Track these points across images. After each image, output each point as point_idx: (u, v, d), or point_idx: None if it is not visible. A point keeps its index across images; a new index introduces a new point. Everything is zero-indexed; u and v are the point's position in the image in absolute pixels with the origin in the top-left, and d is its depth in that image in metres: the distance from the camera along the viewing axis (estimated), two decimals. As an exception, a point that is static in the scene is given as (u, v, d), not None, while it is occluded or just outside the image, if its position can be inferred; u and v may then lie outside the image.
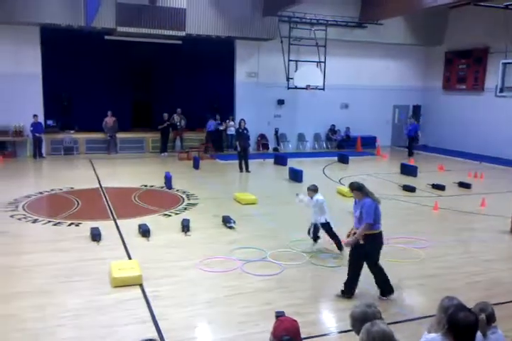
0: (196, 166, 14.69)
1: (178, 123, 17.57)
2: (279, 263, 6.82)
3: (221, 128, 18.12)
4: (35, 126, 15.59)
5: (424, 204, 10.64)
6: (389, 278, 5.83)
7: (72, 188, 11.43)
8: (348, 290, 5.83)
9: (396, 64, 20.98)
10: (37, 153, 15.81)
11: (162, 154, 17.17)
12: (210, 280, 6.25)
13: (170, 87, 18.06)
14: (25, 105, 15.65)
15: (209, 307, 5.48)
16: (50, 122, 16.58)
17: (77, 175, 13.16)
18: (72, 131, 16.90)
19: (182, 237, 8.01)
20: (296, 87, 17.81)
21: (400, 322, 5.09)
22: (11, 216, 8.99)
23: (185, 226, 8.26)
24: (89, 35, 15.68)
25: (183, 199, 10.73)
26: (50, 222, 8.74)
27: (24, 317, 5.12)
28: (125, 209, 9.78)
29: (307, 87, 17.75)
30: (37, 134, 15.63)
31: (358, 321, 2.81)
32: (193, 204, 10.26)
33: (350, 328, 4.35)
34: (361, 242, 5.65)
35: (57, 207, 9.90)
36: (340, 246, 7.33)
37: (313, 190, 7.53)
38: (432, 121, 21.23)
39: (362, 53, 19.95)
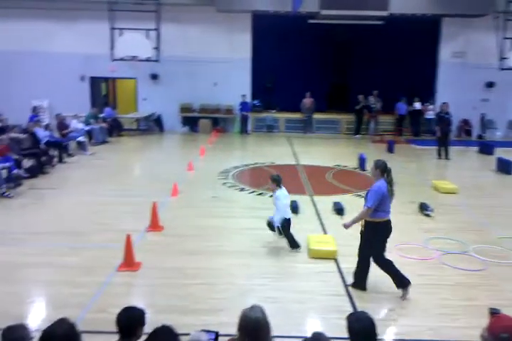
0: (390, 150, 14.33)
1: (373, 106, 17.29)
2: (483, 259, 6.32)
3: (417, 107, 17.20)
4: (244, 105, 17.13)
5: None
6: (398, 272, 5.27)
7: (273, 163, 12.33)
8: (359, 281, 5.41)
9: None
10: (243, 130, 17.41)
11: (355, 136, 17.17)
12: (405, 266, 6.06)
13: (368, 69, 17.76)
14: (236, 86, 17.22)
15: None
16: (255, 102, 18.02)
17: (277, 152, 14.11)
18: (273, 111, 18.11)
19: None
20: (511, 68, 15.77)
21: None
22: (223, 183, 10.19)
23: (380, 209, 8.19)
24: (293, 20, 16.34)
25: (377, 182, 10.62)
26: (254, 191, 9.64)
27: (232, 273, 5.80)
28: (320, 186, 10.17)
29: (525, 68, 15.57)
30: (244, 112, 17.17)
31: None
32: (387, 188, 10.08)
33: None
34: (362, 229, 5.27)
35: (261, 179, 10.78)
36: (292, 245, 6.44)
37: (274, 180, 6.30)
38: None
39: None
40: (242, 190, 9.75)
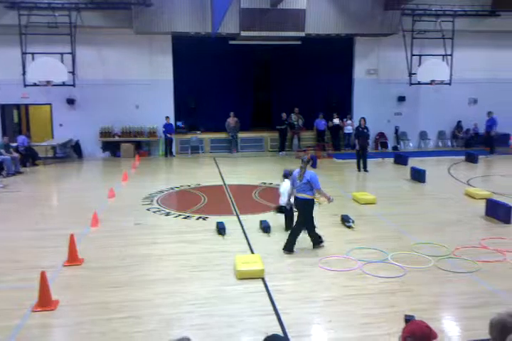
0: (313, 165, 14.67)
1: (295, 123, 17.82)
2: (401, 265, 6.62)
3: (336, 122, 17.94)
4: (167, 127, 16.93)
5: None
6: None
7: (199, 184, 12.25)
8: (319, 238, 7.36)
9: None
10: (168, 152, 17.18)
11: (280, 153, 17.54)
12: (330, 279, 6.28)
13: (288, 87, 18.36)
14: (159, 108, 17.06)
15: (330, 306, 5.52)
16: (179, 123, 17.88)
17: (203, 173, 14.05)
18: (198, 132, 18.05)
19: (301, 234, 8.12)
20: (419, 83, 17.01)
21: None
22: (147, 209, 9.92)
23: (305, 224, 8.36)
24: (214, 41, 16.58)
25: (302, 197, 10.86)
26: (180, 215, 9.48)
27: (158, 303, 5.61)
28: (247, 205, 10.22)
29: (431, 83, 16.84)
30: (168, 135, 16.96)
31: (495, 329, 2.68)
32: (312, 203, 10.33)
33: (478, 338, 4.14)
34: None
35: (187, 201, 10.68)
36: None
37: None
38: None
39: (494, 44, 18.36)
40: (167, 214, 9.56)
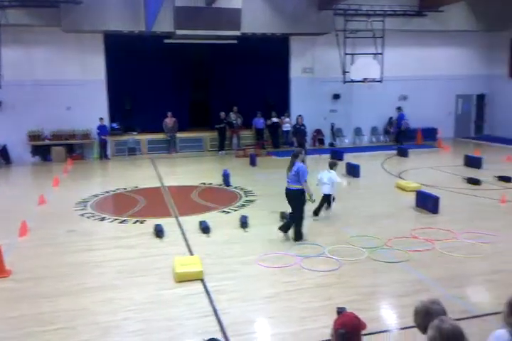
0: (253, 163, 14.84)
1: (234, 122, 17.83)
2: (337, 258, 6.80)
3: (275, 120, 18.14)
4: (101, 129, 16.35)
5: (490, 198, 10.16)
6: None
7: (136, 187, 11.93)
8: (299, 234, 7.56)
9: (458, 52, 20.09)
10: (103, 155, 16.59)
11: (220, 152, 17.48)
12: (269, 276, 6.34)
13: (226, 86, 18.31)
14: (92, 109, 16.44)
15: (270, 303, 5.57)
16: (114, 125, 17.30)
17: (141, 175, 13.70)
18: (134, 133, 17.57)
19: (241, 233, 8.17)
20: (352, 81, 17.52)
21: (466, 318, 4.92)
22: (81, 215, 9.53)
23: (244, 223, 8.42)
24: (149, 40, 16.22)
25: (241, 196, 10.91)
26: (116, 219, 9.19)
27: (94, 311, 5.43)
28: (186, 206, 10.10)
29: (364, 80, 17.41)
30: (103, 136, 16.37)
31: (419, 315, 2.83)
32: (251, 201, 10.41)
33: (411, 325, 4.32)
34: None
35: (123, 205, 10.39)
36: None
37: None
38: (497, 109, 20.17)
39: (422, 42, 19.26)
40: (102, 219, 9.25)
